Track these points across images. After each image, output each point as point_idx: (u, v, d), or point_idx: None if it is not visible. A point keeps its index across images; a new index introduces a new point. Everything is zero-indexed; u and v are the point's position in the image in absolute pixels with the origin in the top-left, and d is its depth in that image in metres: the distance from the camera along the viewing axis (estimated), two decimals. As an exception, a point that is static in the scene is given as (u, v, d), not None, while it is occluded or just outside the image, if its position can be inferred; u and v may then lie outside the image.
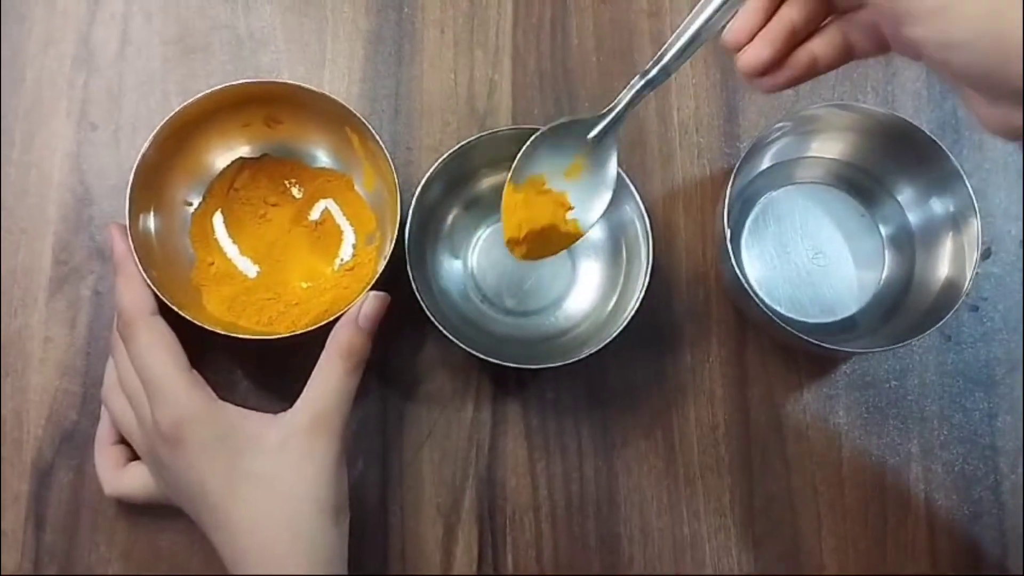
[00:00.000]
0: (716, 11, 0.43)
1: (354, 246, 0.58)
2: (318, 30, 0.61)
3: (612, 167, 0.50)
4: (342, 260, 0.58)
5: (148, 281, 0.50)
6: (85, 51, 0.60)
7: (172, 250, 0.55)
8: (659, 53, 0.45)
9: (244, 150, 0.57)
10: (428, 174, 0.54)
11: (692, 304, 0.59)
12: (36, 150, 0.59)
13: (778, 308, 0.58)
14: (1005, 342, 0.59)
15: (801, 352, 0.59)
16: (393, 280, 0.52)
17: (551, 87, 0.61)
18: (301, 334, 0.51)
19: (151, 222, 0.54)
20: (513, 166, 0.49)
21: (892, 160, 0.58)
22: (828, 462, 0.58)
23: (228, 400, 0.49)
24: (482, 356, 0.52)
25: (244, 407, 0.49)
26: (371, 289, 0.51)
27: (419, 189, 0.54)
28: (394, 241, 0.52)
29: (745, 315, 0.59)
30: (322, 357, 0.50)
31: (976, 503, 0.57)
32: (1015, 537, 0.57)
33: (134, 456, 0.53)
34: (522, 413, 0.57)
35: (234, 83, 0.53)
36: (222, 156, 0.57)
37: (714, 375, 0.58)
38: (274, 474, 0.47)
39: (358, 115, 0.53)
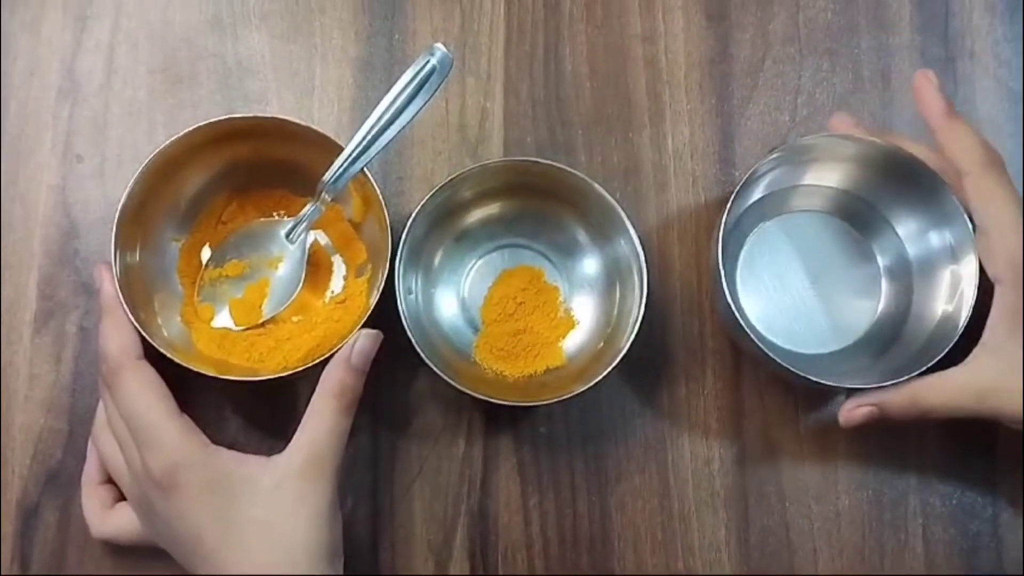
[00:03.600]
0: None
1: (344, 278, 0.57)
2: (307, 57, 0.60)
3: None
4: (333, 293, 0.57)
5: (135, 324, 0.49)
6: (70, 81, 0.59)
7: (160, 286, 0.55)
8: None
9: (231, 182, 0.56)
10: (418, 207, 0.53)
11: (687, 336, 0.58)
12: (21, 183, 0.58)
13: (774, 340, 0.58)
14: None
15: (798, 384, 0.58)
16: (384, 313, 0.51)
17: (544, 114, 0.61)
18: (292, 373, 0.50)
19: (138, 258, 0.53)
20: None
21: (891, 191, 0.57)
22: (824, 496, 0.57)
23: (218, 439, 0.49)
24: (473, 393, 0.51)
25: (234, 446, 0.49)
26: (363, 323, 0.50)
27: (410, 222, 0.53)
28: (386, 273, 0.51)
29: (740, 347, 0.58)
30: (314, 397, 0.49)
31: (974, 537, 0.57)
32: (1014, 571, 0.56)
33: (121, 496, 0.52)
34: (514, 448, 0.57)
35: (220, 118, 0.52)
36: (209, 189, 0.56)
37: (709, 408, 0.58)
38: (269, 519, 0.47)
39: (345, 147, 0.52)
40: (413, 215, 0.53)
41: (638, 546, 0.56)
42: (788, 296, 0.59)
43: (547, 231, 0.58)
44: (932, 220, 0.56)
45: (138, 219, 0.53)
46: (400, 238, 0.53)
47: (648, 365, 0.57)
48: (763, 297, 0.59)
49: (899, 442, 0.58)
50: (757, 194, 0.59)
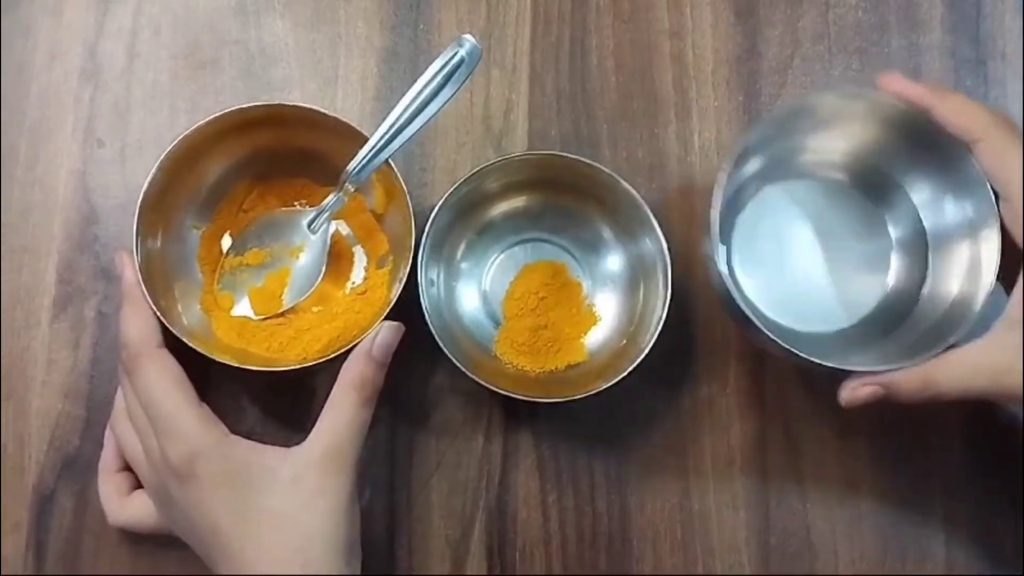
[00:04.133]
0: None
1: (366, 269, 0.57)
2: (331, 46, 0.60)
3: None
4: (353, 284, 0.57)
5: (155, 311, 0.49)
6: (92, 65, 0.59)
7: (181, 274, 0.54)
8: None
9: (253, 170, 0.56)
10: (442, 199, 0.53)
11: (710, 335, 0.58)
12: (41, 167, 0.58)
13: (774, 317, 0.55)
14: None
15: (821, 382, 0.57)
16: (404, 305, 0.51)
17: (569, 107, 0.60)
18: (312, 364, 0.50)
19: (158, 246, 0.53)
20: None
21: (907, 155, 0.53)
22: (847, 498, 0.56)
23: (236, 429, 0.48)
24: (494, 388, 0.51)
25: (252, 436, 0.49)
26: (384, 315, 0.50)
27: (433, 214, 0.53)
28: (408, 266, 0.51)
29: (739, 328, 0.56)
30: (335, 389, 0.49)
31: (998, 544, 0.56)
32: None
33: (138, 484, 0.52)
34: (534, 444, 0.56)
35: (243, 106, 0.52)
36: (230, 177, 0.56)
37: (731, 408, 0.57)
38: (287, 510, 0.46)
39: (369, 136, 0.51)
40: (436, 207, 0.53)
41: (657, 546, 0.55)
42: (790, 270, 0.56)
43: (571, 226, 0.57)
44: (951, 189, 0.52)
45: (159, 206, 0.52)
46: (423, 230, 0.52)
47: (670, 364, 0.57)
48: (763, 271, 0.56)
49: (923, 444, 0.57)
50: (759, 161, 0.55)
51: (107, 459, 0.53)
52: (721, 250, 0.50)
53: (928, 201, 0.54)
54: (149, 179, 0.50)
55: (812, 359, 0.48)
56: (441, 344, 0.51)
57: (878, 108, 0.52)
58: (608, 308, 0.57)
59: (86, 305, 0.56)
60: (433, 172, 0.59)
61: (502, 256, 0.58)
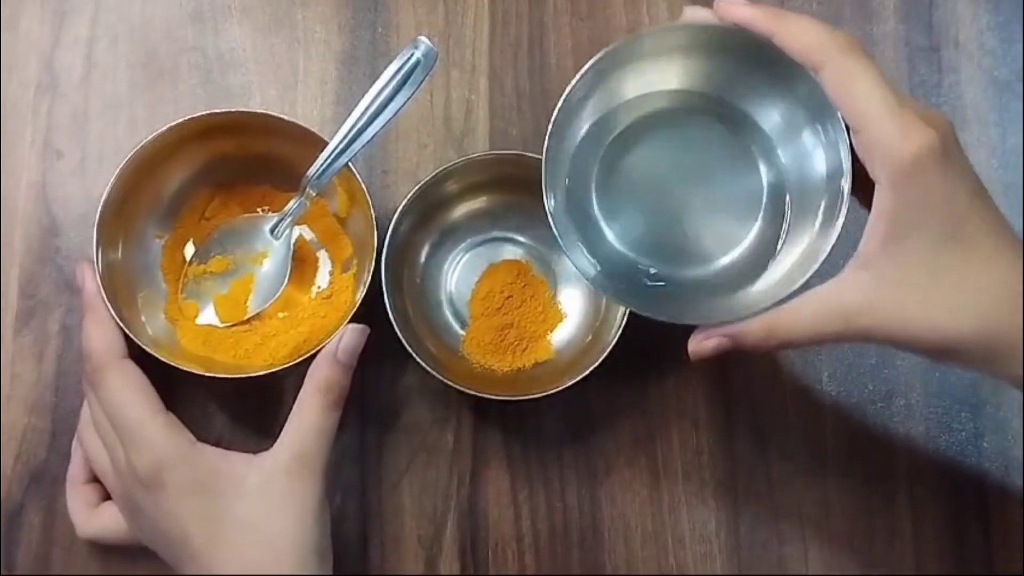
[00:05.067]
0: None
1: (330, 273, 0.57)
2: (289, 51, 0.60)
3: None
4: (319, 288, 0.57)
5: (119, 322, 0.49)
6: (49, 77, 0.58)
7: (144, 284, 0.54)
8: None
9: (214, 178, 0.56)
10: (404, 202, 0.53)
11: (673, 327, 0.58)
12: (0, 180, 0.57)
13: (648, 262, 0.51)
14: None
15: (786, 373, 0.58)
16: (369, 308, 0.51)
17: (529, 106, 0.60)
18: (278, 370, 0.50)
19: (120, 256, 0.53)
20: None
21: (753, 87, 0.48)
22: (814, 485, 0.57)
23: (204, 437, 0.49)
24: (462, 388, 0.51)
25: (220, 444, 0.49)
26: (349, 318, 0.50)
27: (395, 216, 0.53)
28: (372, 269, 0.51)
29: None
30: (301, 394, 0.49)
31: (963, 527, 0.57)
32: (1006, 559, 0.57)
33: (107, 495, 0.52)
34: (503, 442, 0.56)
35: (202, 113, 0.52)
36: (192, 185, 0.56)
37: (697, 399, 0.58)
38: (257, 517, 0.46)
39: (329, 141, 0.52)
40: (399, 209, 0.53)
41: (628, 538, 0.56)
42: (659, 211, 0.51)
43: (533, 225, 0.57)
44: (806, 119, 0.47)
45: (120, 216, 0.52)
46: (386, 232, 0.52)
47: (636, 357, 0.57)
48: (630, 213, 0.51)
49: (888, 431, 0.58)
50: (587, 118, 0.51)
51: (74, 471, 0.52)
52: (577, 249, 0.48)
53: (782, 133, 0.49)
54: (108, 188, 0.50)
55: (648, 313, 0.46)
56: (407, 346, 0.51)
57: (714, 37, 0.47)
58: (573, 305, 0.57)
59: (49, 318, 0.56)
60: (395, 174, 0.59)
61: (466, 256, 0.58)
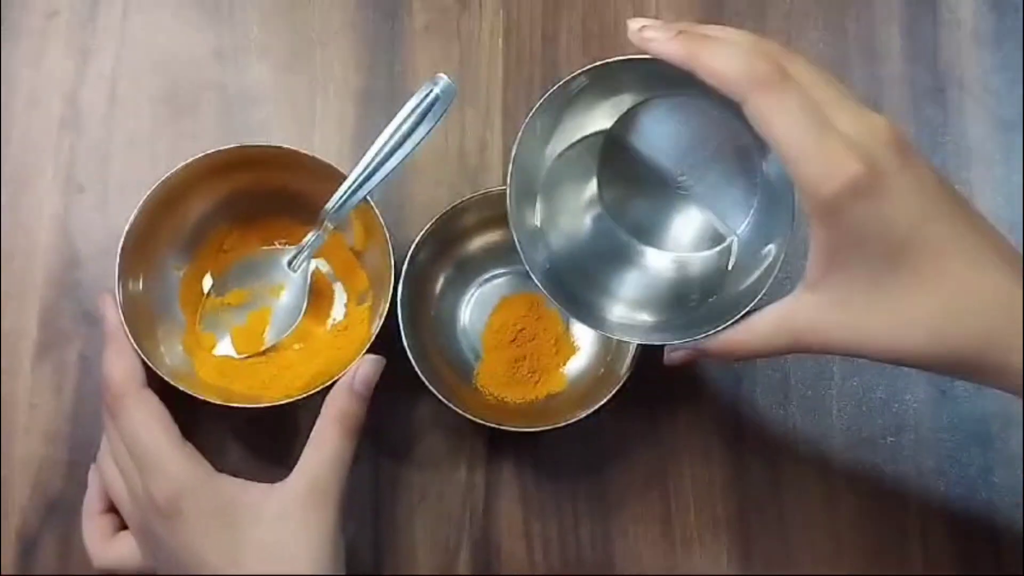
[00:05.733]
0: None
1: (346, 305, 0.58)
2: (308, 89, 0.61)
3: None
4: (334, 320, 0.57)
5: (139, 352, 0.49)
6: (72, 112, 0.60)
7: (163, 315, 0.55)
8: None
9: (233, 211, 0.57)
10: (419, 236, 0.54)
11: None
12: (22, 212, 0.58)
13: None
14: (998, 396, 0.59)
15: (796, 407, 0.58)
16: (385, 339, 0.51)
17: (542, 144, 0.61)
18: (294, 400, 0.51)
19: (140, 287, 0.54)
20: None
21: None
22: (825, 519, 0.57)
23: (220, 467, 0.49)
24: (475, 419, 0.52)
25: (236, 474, 0.49)
26: (365, 350, 0.51)
27: (411, 250, 0.54)
28: (388, 301, 0.52)
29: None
30: (317, 424, 0.49)
31: (974, 560, 0.57)
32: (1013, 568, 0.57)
33: (123, 525, 0.52)
34: (517, 475, 0.57)
35: (222, 148, 0.52)
36: (211, 218, 0.56)
37: (708, 432, 0.58)
38: (273, 547, 0.46)
39: (347, 175, 0.53)
40: (414, 243, 0.54)
41: (641, 573, 0.56)
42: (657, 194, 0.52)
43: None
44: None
45: (141, 249, 0.53)
46: (401, 265, 0.53)
47: (648, 390, 0.57)
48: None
49: (899, 466, 0.58)
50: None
51: (91, 501, 0.53)
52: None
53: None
54: (131, 221, 0.51)
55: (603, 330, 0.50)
56: (423, 377, 0.51)
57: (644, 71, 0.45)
58: (586, 337, 0.58)
59: (68, 349, 0.57)
60: (411, 209, 0.60)
61: (480, 289, 0.59)
